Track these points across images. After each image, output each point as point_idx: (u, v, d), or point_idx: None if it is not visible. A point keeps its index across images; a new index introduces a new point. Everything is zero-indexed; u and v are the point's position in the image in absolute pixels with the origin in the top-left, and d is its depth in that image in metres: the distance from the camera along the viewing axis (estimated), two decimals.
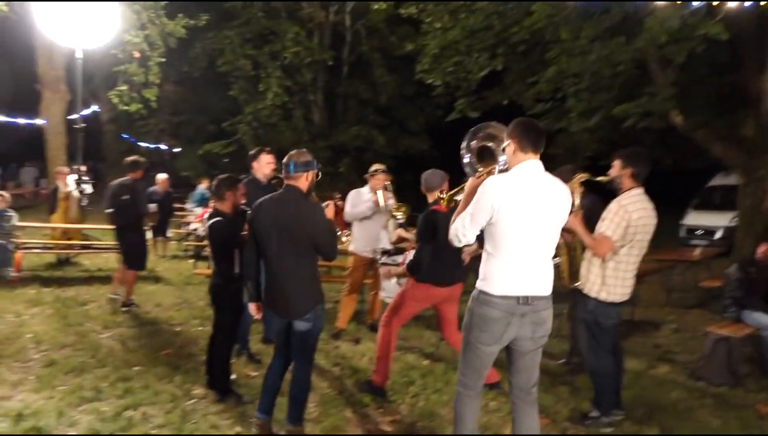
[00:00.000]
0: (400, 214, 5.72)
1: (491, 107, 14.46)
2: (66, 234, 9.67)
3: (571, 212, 3.98)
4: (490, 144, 3.44)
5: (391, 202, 5.91)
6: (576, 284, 4.18)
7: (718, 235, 12.62)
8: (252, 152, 5.37)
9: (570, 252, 4.27)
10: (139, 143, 28.50)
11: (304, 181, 3.45)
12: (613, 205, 3.76)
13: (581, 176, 4.06)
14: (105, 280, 8.51)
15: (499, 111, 14.74)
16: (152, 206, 9.81)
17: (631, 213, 3.68)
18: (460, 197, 3.30)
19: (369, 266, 6.07)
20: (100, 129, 28.69)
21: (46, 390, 4.28)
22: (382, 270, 5.41)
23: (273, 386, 3.60)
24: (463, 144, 3.42)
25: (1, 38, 16.56)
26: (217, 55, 19.95)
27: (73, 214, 9.70)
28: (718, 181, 13.97)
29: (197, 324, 6.24)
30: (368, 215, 5.85)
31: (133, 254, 6.86)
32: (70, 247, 9.66)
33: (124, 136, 28.01)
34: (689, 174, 16.59)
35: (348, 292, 6.05)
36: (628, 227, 3.68)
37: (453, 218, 3.12)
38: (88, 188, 10.79)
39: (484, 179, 3.04)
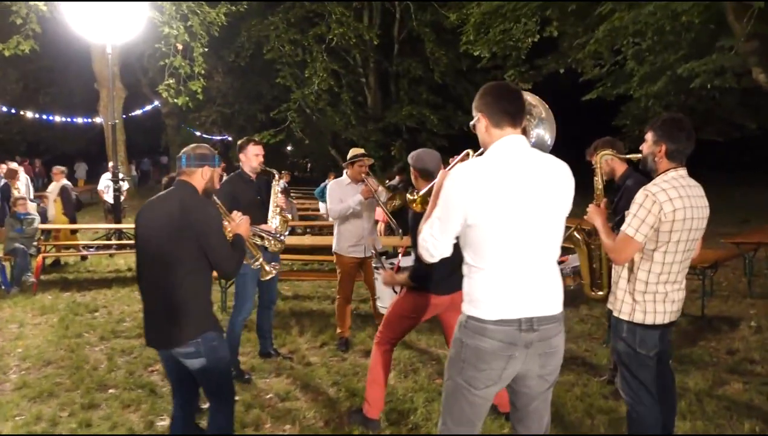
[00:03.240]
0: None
1: (546, 77, 13.28)
2: (57, 238, 9.48)
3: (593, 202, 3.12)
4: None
5: (381, 190, 5.07)
6: (599, 293, 3.26)
7: None
8: (240, 142, 4.77)
9: (589, 252, 3.32)
10: (199, 134, 28.91)
11: (199, 177, 2.88)
12: (639, 195, 2.73)
13: (604, 153, 3.12)
14: (128, 281, 8.24)
15: (555, 80, 13.55)
16: None
17: (663, 204, 2.65)
18: None
19: (358, 266, 5.28)
20: (162, 123, 29.33)
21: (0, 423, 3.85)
22: (383, 276, 4.46)
23: None
24: None
25: (64, 40, 16.91)
26: (263, 42, 19.60)
27: (57, 214, 9.38)
28: None
29: None
30: (357, 210, 5.05)
31: None
32: (96, 247, 9.48)
33: (193, 131, 28.41)
34: None
35: (340, 301, 5.32)
36: (661, 223, 2.67)
37: (421, 224, 2.33)
38: (124, 185, 10.72)
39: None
